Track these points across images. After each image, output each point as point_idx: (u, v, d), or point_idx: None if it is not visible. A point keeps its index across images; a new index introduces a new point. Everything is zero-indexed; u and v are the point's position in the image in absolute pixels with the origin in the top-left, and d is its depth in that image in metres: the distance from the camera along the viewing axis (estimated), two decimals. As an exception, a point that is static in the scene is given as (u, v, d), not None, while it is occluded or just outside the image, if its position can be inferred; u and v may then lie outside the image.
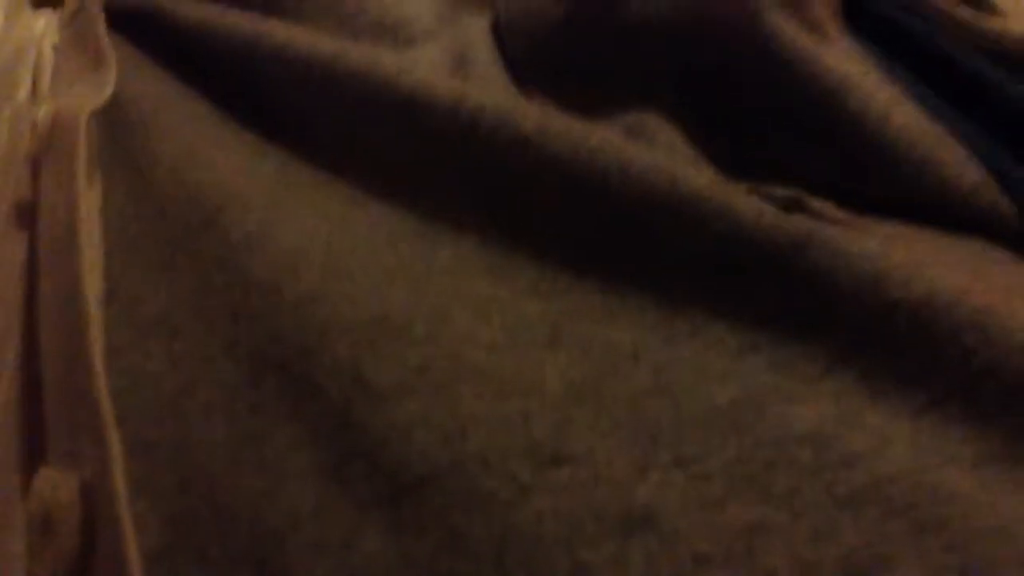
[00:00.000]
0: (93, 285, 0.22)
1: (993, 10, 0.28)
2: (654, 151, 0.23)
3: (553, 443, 0.17)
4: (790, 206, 0.20)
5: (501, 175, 0.22)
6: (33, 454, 0.21)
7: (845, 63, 0.23)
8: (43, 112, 0.27)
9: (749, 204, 0.19)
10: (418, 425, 0.18)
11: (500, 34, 0.28)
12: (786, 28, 0.23)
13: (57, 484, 0.19)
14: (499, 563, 0.16)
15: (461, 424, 0.18)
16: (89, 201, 0.24)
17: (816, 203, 0.21)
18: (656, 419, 0.17)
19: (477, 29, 0.28)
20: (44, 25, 0.33)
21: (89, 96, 0.26)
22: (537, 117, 0.22)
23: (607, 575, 0.15)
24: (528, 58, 0.27)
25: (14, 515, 0.20)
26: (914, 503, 0.16)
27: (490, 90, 0.25)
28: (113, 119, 0.27)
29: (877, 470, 0.16)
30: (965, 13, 0.27)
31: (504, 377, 0.18)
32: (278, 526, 0.18)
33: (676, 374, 0.18)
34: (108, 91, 0.26)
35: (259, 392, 0.20)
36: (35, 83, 0.31)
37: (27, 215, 0.26)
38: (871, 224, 0.21)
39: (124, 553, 0.17)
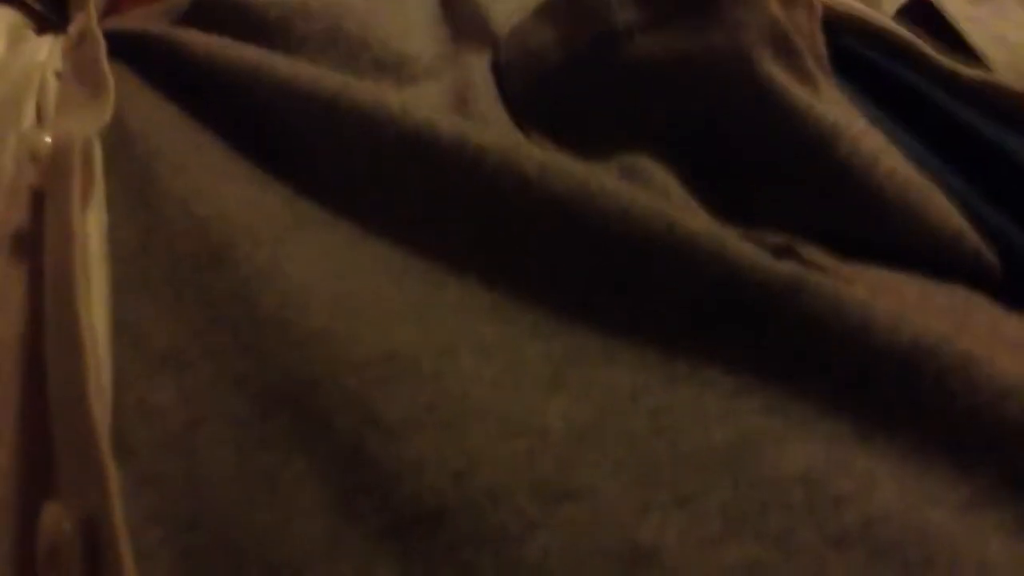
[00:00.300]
0: (98, 317, 0.23)
1: (979, 59, 0.29)
2: (651, 194, 0.24)
3: (558, 480, 0.18)
4: (781, 252, 0.21)
5: (503, 214, 0.23)
6: (41, 491, 0.21)
7: (834, 111, 0.24)
8: (44, 140, 0.27)
9: (743, 249, 0.20)
10: (428, 461, 0.18)
11: (500, 74, 0.29)
12: (778, 77, 0.24)
13: (62, 518, 0.19)
14: None
15: (470, 461, 0.18)
16: (89, 228, 0.25)
17: (806, 250, 0.21)
18: (655, 458, 0.18)
19: (478, 68, 0.29)
20: (48, 52, 0.33)
21: (87, 122, 0.26)
22: (539, 158, 0.22)
23: None
24: (527, 98, 0.28)
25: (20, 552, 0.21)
26: (901, 543, 0.17)
27: (491, 129, 0.26)
28: (119, 151, 0.27)
29: (866, 511, 0.17)
30: (948, 61, 0.28)
31: (509, 416, 0.19)
32: (290, 561, 0.18)
33: (674, 415, 0.19)
34: (106, 117, 0.26)
35: (269, 426, 0.20)
36: (40, 111, 0.31)
37: (27, 247, 0.26)
38: (858, 270, 0.22)
39: None
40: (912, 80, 0.28)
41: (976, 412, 0.18)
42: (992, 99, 0.28)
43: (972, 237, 0.23)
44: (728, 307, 0.20)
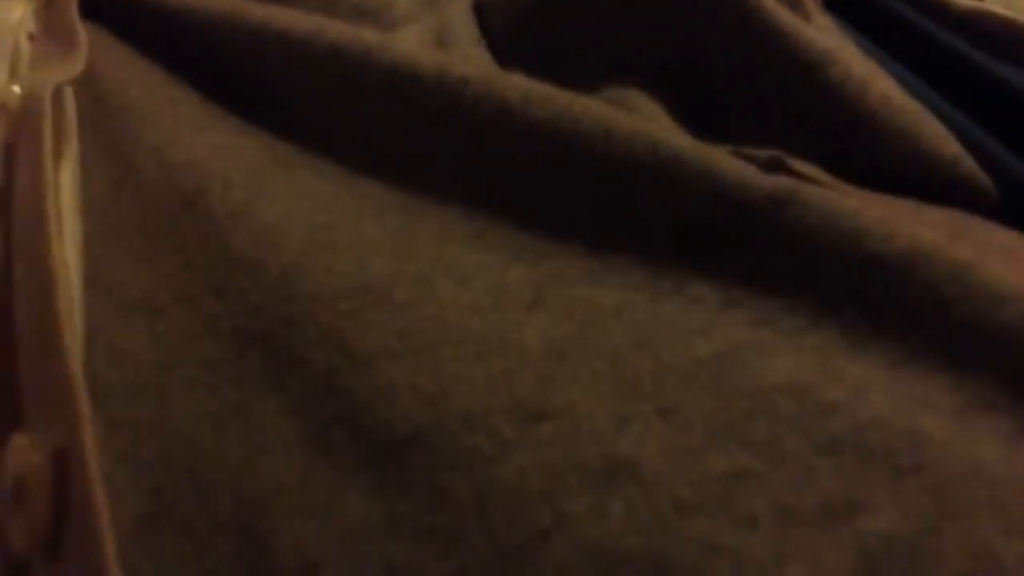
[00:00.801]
0: (71, 265, 0.22)
1: None
2: (635, 117, 0.23)
3: (535, 400, 0.17)
4: (771, 166, 0.20)
5: (485, 144, 0.22)
6: (5, 431, 0.21)
7: (824, 38, 0.24)
8: (13, 91, 0.27)
9: (730, 164, 0.19)
10: (401, 388, 0.18)
11: (480, 15, 0.28)
12: (766, 3, 0.24)
13: (29, 448, 0.19)
14: (482, 517, 0.16)
15: (443, 385, 0.18)
16: (62, 180, 0.24)
17: (797, 163, 0.21)
18: (637, 373, 0.18)
19: (457, 10, 0.29)
20: (21, 14, 0.33)
21: (57, 73, 0.26)
22: (522, 85, 0.22)
23: (588, 524, 0.15)
24: (508, 38, 0.27)
25: None
26: (892, 449, 0.16)
27: (472, 62, 0.26)
28: (92, 106, 0.27)
29: (856, 418, 0.16)
30: None
31: (485, 339, 0.18)
32: (261, 494, 0.18)
33: (658, 330, 0.18)
34: (77, 68, 0.26)
35: (242, 365, 0.20)
36: (13, 73, 0.31)
37: (2, 201, 0.26)
38: (850, 188, 0.21)
39: (96, 518, 0.18)
40: (903, 12, 0.27)
41: (972, 319, 0.17)
42: (983, 28, 0.27)
43: (967, 162, 0.23)
44: (715, 223, 0.19)
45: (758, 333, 0.18)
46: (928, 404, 0.17)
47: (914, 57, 0.26)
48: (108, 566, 0.17)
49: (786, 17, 0.24)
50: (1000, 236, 0.21)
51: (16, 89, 0.28)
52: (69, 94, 0.27)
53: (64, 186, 0.25)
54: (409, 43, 0.28)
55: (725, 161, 0.20)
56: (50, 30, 0.30)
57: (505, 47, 0.27)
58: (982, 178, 0.23)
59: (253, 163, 0.24)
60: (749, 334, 0.18)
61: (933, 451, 0.16)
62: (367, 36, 0.25)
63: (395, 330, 0.19)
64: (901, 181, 0.23)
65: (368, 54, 0.24)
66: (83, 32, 0.28)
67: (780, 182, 0.19)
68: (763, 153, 0.21)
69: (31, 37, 0.32)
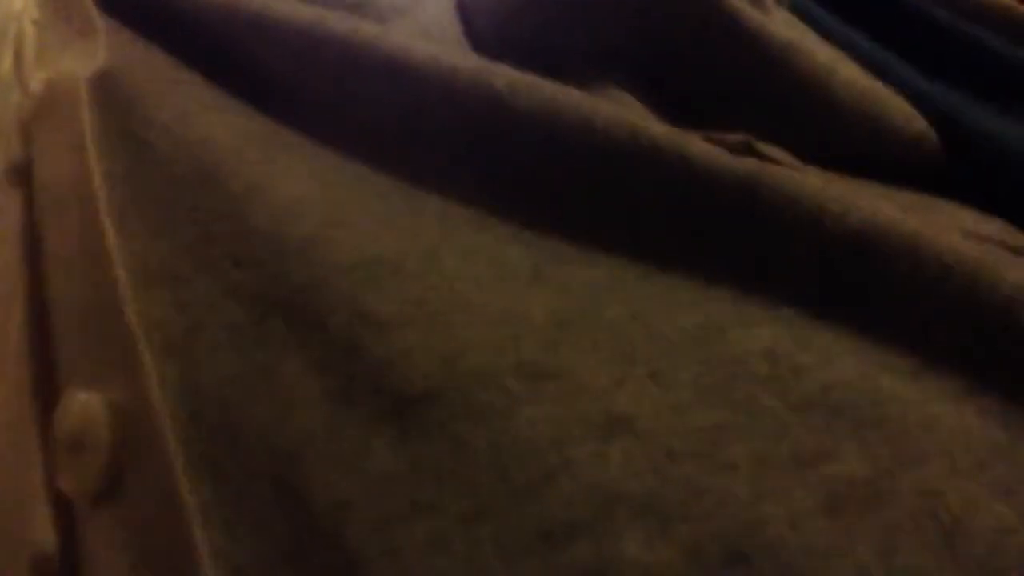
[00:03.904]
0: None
1: None
2: (614, 105, 0.25)
3: (541, 362, 0.19)
4: (741, 150, 0.22)
5: (476, 131, 0.24)
6: (49, 395, 0.22)
7: (786, 30, 0.26)
8: (36, 79, 0.28)
9: (701, 148, 0.21)
10: (417, 350, 0.20)
11: (462, 13, 0.30)
12: (730, 1, 0.26)
13: (86, 404, 0.20)
14: (496, 462, 0.18)
15: (457, 347, 0.19)
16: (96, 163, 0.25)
17: (764, 147, 0.23)
18: (630, 340, 0.20)
19: (441, 7, 0.30)
20: (23, 2, 0.34)
21: (82, 63, 0.27)
22: (507, 75, 0.24)
23: (590, 468, 0.17)
24: (489, 34, 0.29)
25: (32, 442, 0.22)
26: (856, 405, 0.18)
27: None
28: (105, 88, 0.28)
29: (824, 379, 0.19)
30: None
31: (493, 307, 0.20)
32: (292, 446, 0.19)
33: (648, 304, 0.20)
34: (101, 58, 0.27)
35: (265, 328, 0.21)
36: (18, 57, 0.32)
37: (22, 177, 0.27)
38: (815, 169, 0.24)
39: (166, 456, 0.19)
40: None
41: (925, 289, 0.19)
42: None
43: (931, 139, 0.25)
44: (691, 204, 0.21)
45: (736, 307, 0.20)
46: (887, 367, 0.19)
47: (875, 19, 0.28)
48: (184, 499, 0.19)
49: (750, 13, 0.26)
50: (959, 214, 0.23)
51: (41, 77, 0.29)
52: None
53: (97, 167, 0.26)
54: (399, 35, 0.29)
55: (697, 146, 0.22)
56: (61, 15, 0.31)
57: (487, 43, 0.29)
58: (942, 155, 0.25)
59: (264, 144, 0.25)
60: (728, 307, 0.20)
61: (892, 407, 0.18)
62: (364, 27, 0.26)
63: (409, 298, 0.20)
64: (867, 162, 0.25)
65: (366, 44, 0.25)
66: (100, 19, 0.29)
67: (747, 164, 0.21)
68: (733, 137, 0.23)
69: (36, 23, 0.33)
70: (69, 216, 0.25)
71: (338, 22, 0.26)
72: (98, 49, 0.28)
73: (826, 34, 0.27)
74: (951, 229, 0.21)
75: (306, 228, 0.22)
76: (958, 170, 0.25)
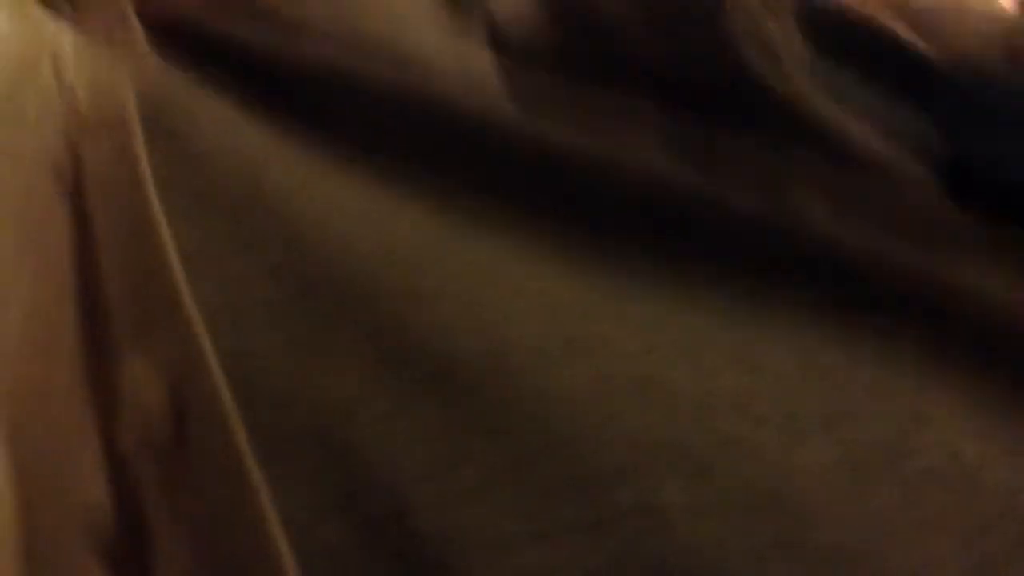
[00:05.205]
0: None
1: None
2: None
3: (576, 331, 0.22)
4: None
5: (521, 173, 0.26)
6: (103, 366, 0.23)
7: (810, 97, 0.28)
8: (81, 89, 0.29)
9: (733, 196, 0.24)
10: (457, 325, 0.22)
11: (501, 63, 0.31)
12: (764, 69, 0.28)
13: (144, 367, 0.22)
14: (541, 416, 0.20)
15: (493, 321, 0.22)
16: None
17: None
18: (662, 313, 0.22)
19: (479, 58, 0.32)
20: (56, 23, 0.35)
21: (130, 74, 0.29)
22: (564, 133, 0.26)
23: (631, 421, 0.19)
24: (527, 87, 0.30)
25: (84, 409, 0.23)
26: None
27: None
28: (151, 101, 0.29)
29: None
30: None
31: (525, 285, 0.23)
32: (336, 406, 0.21)
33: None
34: (149, 71, 0.29)
35: (315, 308, 0.23)
36: (57, 66, 0.33)
37: (69, 180, 0.28)
38: None
39: (224, 418, 0.21)
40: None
41: None
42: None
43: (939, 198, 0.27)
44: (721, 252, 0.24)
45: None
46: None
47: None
48: (241, 449, 0.20)
49: (774, 76, 0.28)
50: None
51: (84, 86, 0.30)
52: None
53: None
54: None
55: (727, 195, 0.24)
56: (102, 32, 0.32)
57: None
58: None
59: (312, 169, 0.27)
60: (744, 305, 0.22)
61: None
62: (414, 68, 0.28)
63: (451, 278, 0.23)
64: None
65: (416, 83, 0.28)
66: (141, 30, 0.30)
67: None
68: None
69: (75, 40, 0.34)
70: (119, 208, 0.26)
71: (383, 62, 0.28)
72: (141, 62, 0.29)
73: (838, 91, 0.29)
74: None
75: (347, 222, 0.24)
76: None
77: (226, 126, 0.28)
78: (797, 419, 0.19)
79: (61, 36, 0.34)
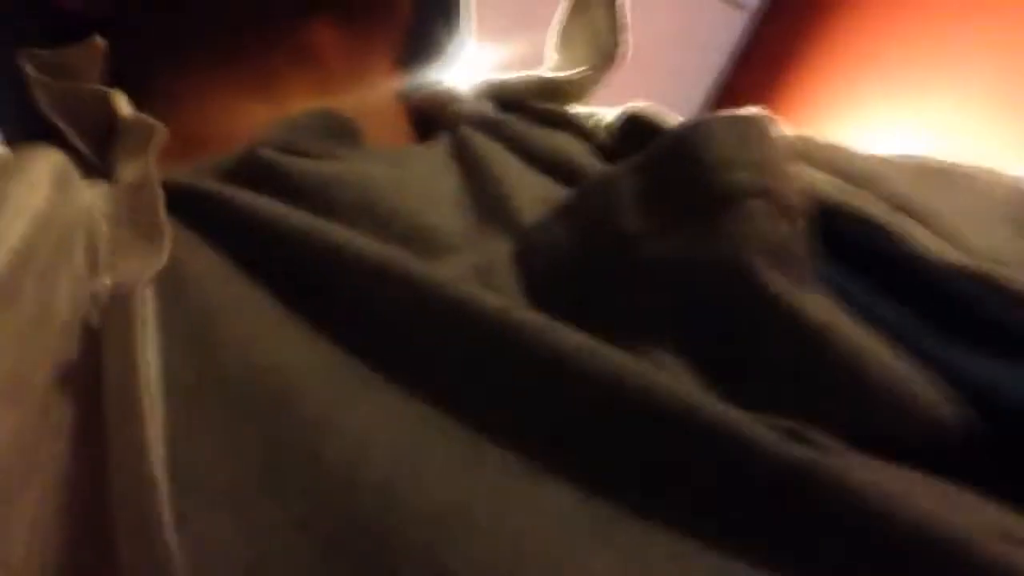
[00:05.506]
0: (156, 454, 0.24)
1: None
2: (671, 378, 0.27)
3: None
4: (792, 435, 0.24)
5: (539, 388, 0.25)
6: None
7: (824, 312, 0.28)
8: (103, 283, 0.29)
9: (758, 432, 0.23)
10: None
11: (521, 262, 0.32)
12: (772, 279, 0.28)
13: None
14: None
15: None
16: (148, 370, 0.26)
17: (813, 434, 0.25)
18: None
19: (501, 253, 0.32)
20: (93, 196, 0.35)
21: (144, 266, 0.29)
22: (575, 339, 0.25)
23: None
24: (545, 288, 0.31)
25: None
26: None
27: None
28: (172, 294, 0.29)
29: None
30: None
31: (560, 567, 0.21)
32: None
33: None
34: (162, 261, 0.29)
35: (332, 566, 0.22)
36: (90, 255, 0.33)
37: (81, 386, 0.27)
38: (860, 457, 0.25)
39: None
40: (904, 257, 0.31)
41: None
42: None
43: (960, 425, 0.26)
44: (747, 487, 0.23)
45: None
46: None
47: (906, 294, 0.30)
48: None
49: (790, 294, 0.28)
50: (997, 514, 0.25)
51: (107, 281, 0.30)
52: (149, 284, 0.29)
53: (149, 375, 0.26)
54: (451, 273, 0.31)
55: (752, 429, 0.23)
56: (133, 217, 0.32)
57: (543, 296, 0.31)
58: (970, 433, 0.27)
59: (330, 372, 0.26)
60: None
61: None
62: (439, 273, 0.28)
63: (480, 551, 0.22)
64: (893, 444, 0.26)
65: (438, 288, 0.27)
66: (167, 224, 0.30)
67: (803, 451, 0.23)
68: (783, 423, 0.25)
69: (107, 220, 0.34)
70: (122, 432, 0.25)
71: (413, 264, 0.28)
72: (161, 255, 0.29)
73: (853, 305, 0.29)
74: (992, 532, 0.23)
75: (378, 469, 0.23)
76: (987, 457, 0.27)
77: (254, 335, 0.28)
78: None
79: (96, 213, 0.34)
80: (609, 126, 0.42)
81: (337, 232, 0.30)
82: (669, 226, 0.30)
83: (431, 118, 0.47)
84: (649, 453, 0.24)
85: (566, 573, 0.21)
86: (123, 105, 0.38)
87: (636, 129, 0.40)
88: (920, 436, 0.26)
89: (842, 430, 0.26)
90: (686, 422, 0.23)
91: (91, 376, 0.27)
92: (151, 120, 0.35)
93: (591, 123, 0.43)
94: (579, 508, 0.23)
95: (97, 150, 0.39)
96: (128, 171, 0.35)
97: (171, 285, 0.30)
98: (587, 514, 0.23)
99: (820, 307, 0.28)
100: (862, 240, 0.33)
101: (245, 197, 0.32)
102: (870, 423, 0.26)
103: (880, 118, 2.13)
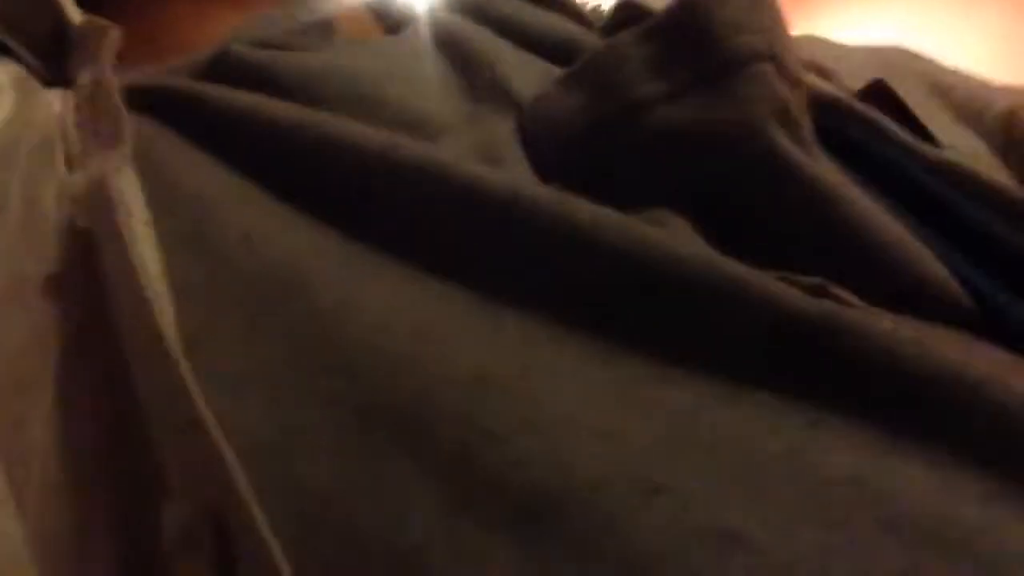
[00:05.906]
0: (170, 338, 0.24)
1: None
2: (693, 241, 0.27)
3: (647, 477, 0.21)
4: (815, 291, 0.24)
5: (556, 262, 0.25)
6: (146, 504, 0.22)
7: (832, 175, 0.28)
8: (77, 181, 0.28)
9: (783, 289, 0.23)
10: (532, 460, 0.21)
11: (525, 137, 0.31)
12: (784, 145, 0.28)
13: (183, 514, 0.21)
14: (625, 571, 0.19)
15: (568, 460, 0.21)
16: (143, 261, 0.25)
17: (837, 289, 0.25)
18: (723, 462, 0.21)
19: (503, 130, 0.32)
20: (62, 103, 0.34)
21: (109, 160, 0.27)
22: (590, 211, 0.25)
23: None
24: (552, 160, 0.30)
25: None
26: (941, 531, 0.20)
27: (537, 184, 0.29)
28: (164, 190, 0.28)
29: (909, 505, 0.20)
30: (915, 143, 0.32)
31: (593, 427, 0.21)
32: (411, 548, 0.20)
33: (733, 429, 0.22)
34: (127, 152, 0.27)
35: (368, 438, 0.22)
36: (68, 158, 0.31)
37: (79, 286, 0.26)
38: (879, 311, 0.26)
39: (269, 560, 0.19)
40: (890, 155, 0.32)
41: (992, 428, 0.21)
42: (955, 179, 0.32)
43: (953, 283, 0.27)
44: (772, 340, 0.23)
45: (816, 433, 0.22)
46: (960, 493, 0.21)
47: (901, 197, 0.31)
48: None
49: (801, 158, 0.28)
50: (999, 354, 0.26)
51: (79, 179, 0.28)
52: (131, 176, 0.28)
53: (150, 265, 0.25)
54: (451, 154, 0.30)
55: (778, 286, 0.23)
56: (95, 119, 0.31)
57: (550, 168, 0.30)
58: (966, 298, 0.28)
59: (343, 259, 0.26)
60: (809, 435, 0.22)
61: (975, 535, 0.20)
62: (440, 154, 0.27)
63: (518, 412, 0.21)
64: (903, 301, 0.27)
65: (444, 171, 0.26)
66: (128, 118, 0.29)
67: (827, 307, 0.23)
68: (807, 280, 0.25)
69: (76, 125, 0.32)
70: (133, 317, 0.24)
71: (413, 147, 0.27)
72: (126, 147, 0.28)
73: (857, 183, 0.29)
74: (1004, 368, 0.24)
75: (402, 344, 0.23)
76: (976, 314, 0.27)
77: (257, 231, 0.27)
78: None
79: (68, 120, 0.32)
80: (605, 15, 0.41)
81: (331, 121, 0.29)
82: (679, 91, 0.29)
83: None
84: (672, 315, 0.24)
85: (597, 430, 0.21)
86: (72, 10, 0.37)
87: (631, 17, 0.39)
88: (931, 307, 0.27)
89: (856, 292, 0.26)
90: (712, 281, 0.23)
91: (90, 275, 0.26)
92: (103, 21, 0.34)
93: (587, 9, 0.42)
94: (602, 370, 0.23)
95: (53, 62, 0.37)
96: (85, 76, 0.33)
97: (160, 179, 0.29)
98: (610, 376, 0.23)
99: (830, 171, 0.28)
100: (854, 134, 0.33)
101: (224, 92, 0.31)
102: (882, 289, 0.27)
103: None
